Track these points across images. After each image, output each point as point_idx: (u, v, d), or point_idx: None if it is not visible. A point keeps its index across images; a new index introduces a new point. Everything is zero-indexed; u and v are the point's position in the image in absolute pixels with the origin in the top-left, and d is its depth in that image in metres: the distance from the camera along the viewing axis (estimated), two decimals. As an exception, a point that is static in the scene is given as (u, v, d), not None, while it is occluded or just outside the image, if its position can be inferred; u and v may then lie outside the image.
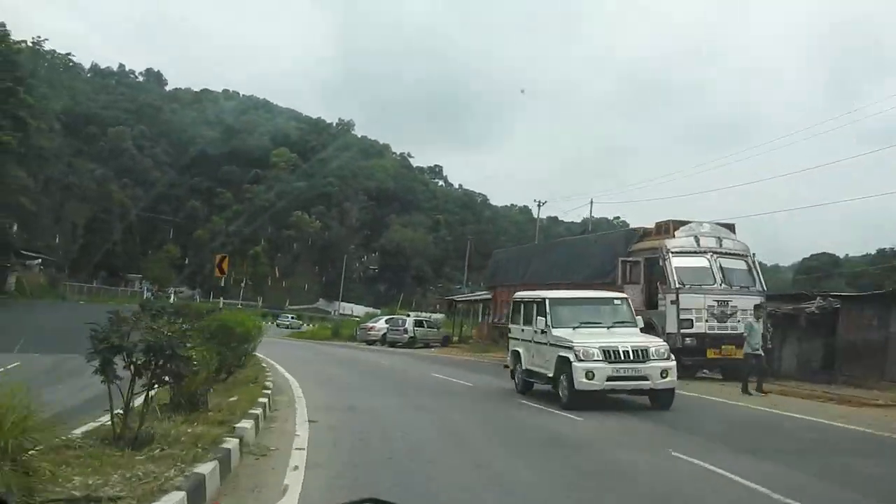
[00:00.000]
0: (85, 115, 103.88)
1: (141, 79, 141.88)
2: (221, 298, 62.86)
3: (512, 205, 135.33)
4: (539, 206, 55.62)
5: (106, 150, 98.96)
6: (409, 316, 42.71)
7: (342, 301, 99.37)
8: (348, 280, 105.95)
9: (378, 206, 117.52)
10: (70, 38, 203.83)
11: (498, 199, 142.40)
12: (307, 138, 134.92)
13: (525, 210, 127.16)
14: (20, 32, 78.87)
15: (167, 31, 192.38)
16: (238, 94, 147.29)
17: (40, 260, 52.49)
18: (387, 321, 41.06)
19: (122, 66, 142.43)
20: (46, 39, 70.84)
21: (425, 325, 40.28)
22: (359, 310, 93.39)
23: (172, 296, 75.44)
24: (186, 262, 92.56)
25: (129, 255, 73.38)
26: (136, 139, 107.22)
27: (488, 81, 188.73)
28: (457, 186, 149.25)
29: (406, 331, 38.37)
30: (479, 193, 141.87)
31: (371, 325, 42.01)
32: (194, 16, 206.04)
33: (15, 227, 53.64)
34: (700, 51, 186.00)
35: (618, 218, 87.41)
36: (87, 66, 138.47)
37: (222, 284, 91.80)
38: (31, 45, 63.78)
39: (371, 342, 39.08)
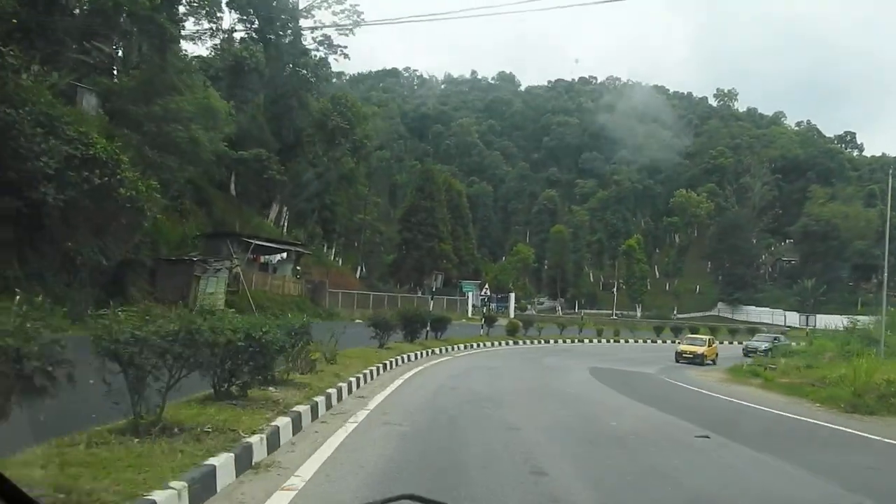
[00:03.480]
0: (431, 116, 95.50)
1: (493, 82, 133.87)
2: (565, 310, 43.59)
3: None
4: None
5: (452, 146, 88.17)
6: None
7: (748, 305, 74.02)
8: (755, 277, 79.50)
9: (785, 180, 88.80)
10: (430, 61, 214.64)
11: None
12: (680, 113, 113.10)
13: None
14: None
15: (519, 38, 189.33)
16: (595, 79, 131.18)
17: (286, 254, 37.62)
18: None
19: (474, 72, 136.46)
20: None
21: None
22: (781, 317, 66.69)
23: (509, 306, 59.25)
24: (545, 265, 76.03)
25: (464, 258, 58.47)
26: (483, 135, 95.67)
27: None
28: (878, 155, 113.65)
29: None
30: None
31: None
32: (542, 19, 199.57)
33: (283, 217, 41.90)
34: None
35: None
36: (440, 77, 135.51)
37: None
38: None
39: None
